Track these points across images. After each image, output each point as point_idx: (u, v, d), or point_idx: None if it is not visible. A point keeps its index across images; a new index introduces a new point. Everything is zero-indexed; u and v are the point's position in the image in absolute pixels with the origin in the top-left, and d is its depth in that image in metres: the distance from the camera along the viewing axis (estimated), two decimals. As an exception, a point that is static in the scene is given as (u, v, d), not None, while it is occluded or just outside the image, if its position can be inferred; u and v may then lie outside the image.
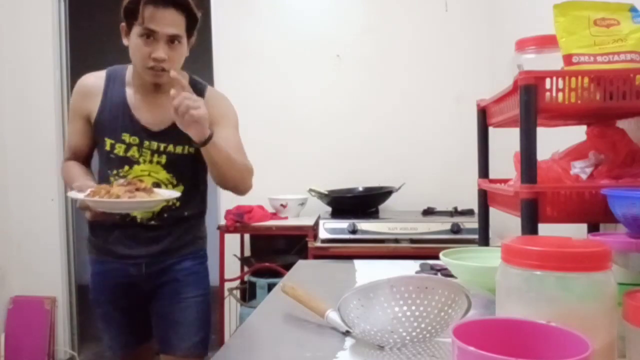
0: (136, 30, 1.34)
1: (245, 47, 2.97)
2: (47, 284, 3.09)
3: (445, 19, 2.85)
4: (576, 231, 1.21)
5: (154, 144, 1.45)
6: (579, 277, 0.62)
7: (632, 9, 1.02)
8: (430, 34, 2.88)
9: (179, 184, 1.49)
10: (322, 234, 2.30)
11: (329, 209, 2.65)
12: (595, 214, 0.99)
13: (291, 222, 2.60)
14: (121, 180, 1.38)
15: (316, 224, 2.41)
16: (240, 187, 1.48)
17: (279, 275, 2.28)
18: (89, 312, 3.45)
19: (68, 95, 3.14)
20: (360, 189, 2.75)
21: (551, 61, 1.07)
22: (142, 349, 1.60)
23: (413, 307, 0.79)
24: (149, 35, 1.33)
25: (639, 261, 0.75)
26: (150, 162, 1.46)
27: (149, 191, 1.34)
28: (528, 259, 0.64)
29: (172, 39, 1.35)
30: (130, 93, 1.47)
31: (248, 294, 2.59)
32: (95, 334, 3.46)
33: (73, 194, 1.32)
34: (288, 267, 1.71)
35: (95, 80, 1.49)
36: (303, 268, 1.62)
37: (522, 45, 1.19)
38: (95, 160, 1.56)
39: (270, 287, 2.33)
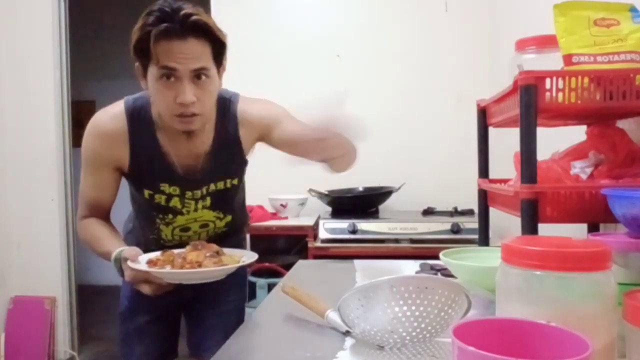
0: (152, 71, 1.10)
1: (245, 47, 2.97)
2: (47, 284, 3.08)
3: (445, 19, 2.85)
4: (576, 231, 1.21)
5: (197, 193, 1.28)
6: (579, 277, 0.62)
7: (632, 9, 1.02)
8: (430, 34, 2.88)
9: (226, 215, 1.36)
10: (322, 234, 2.30)
11: (329, 209, 2.65)
12: (595, 214, 0.99)
13: (291, 222, 2.60)
14: (194, 242, 1.19)
15: (316, 224, 2.41)
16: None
17: (279, 275, 2.28)
18: (89, 312, 3.47)
19: (68, 96, 3.15)
20: (360, 189, 2.75)
21: (551, 61, 1.07)
22: None
23: (413, 307, 0.79)
24: (169, 75, 1.09)
25: (639, 261, 0.75)
26: (195, 210, 1.30)
27: (222, 252, 1.17)
28: (528, 259, 0.64)
29: (197, 75, 1.10)
30: (161, 135, 1.23)
31: (248, 294, 2.59)
32: (95, 334, 3.48)
33: (133, 265, 1.09)
34: (288, 267, 1.71)
35: (115, 123, 1.22)
36: (303, 268, 1.62)
37: (522, 45, 1.19)
38: (123, 201, 1.35)
39: (270, 287, 2.33)
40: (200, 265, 1.07)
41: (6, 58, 3.06)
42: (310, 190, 2.58)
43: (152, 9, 1.07)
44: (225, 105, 1.28)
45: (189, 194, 1.27)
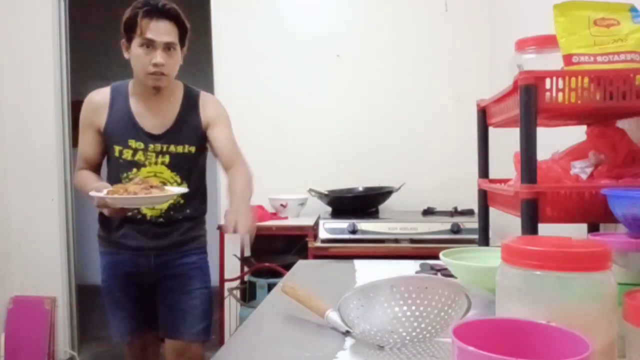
0: (136, 41, 1.53)
1: (245, 47, 2.97)
2: (47, 284, 3.08)
3: (445, 19, 2.85)
4: (576, 231, 1.21)
5: (157, 146, 1.62)
6: (579, 277, 0.62)
7: (632, 9, 1.02)
8: (430, 34, 2.88)
9: (183, 182, 1.65)
10: (322, 234, 2.30)
11: (329, 209, 2.65)
12: (595, 214, 0.99)
13: (291, 222, 2.60)
14: (136, 179, 1.53)
15: (316, 224, 2.41)
16: None
17: (279, 275, 2.28)
18: (89, 312, 3.47)
19: (68, 96, 3.15)
20: (360, 189, 2.75)
21: (551, 61, 1.07)
22: (148, 337, 1.75)
23: (413, 307, 0.79)
24: (148, 44, 1.52)
25: (639, 261, 0.75)
26: (156, 163, 1.62)
27: (161, 188, 1.50)
28: (528, 259, 0.64)
29: (168, 47, 1.53)
30: (133, 103, 1.64)
31: (248, 294, 2.59)
32: (95, 334, 3.47)
33: (94, 193, 1.46)
34: (288, 267, 1.71)
35: (101, 96, 1.66)
36: (303, 268, 1.62)
37: (522, 45, 1.19)
38: (104, 168, 1.71)
39: (270, 287, 2.33)
40: (135, 194, 1.42)
41: (6, 58, 3.06)
42: (310, 190, 2.58)
43: (141, 1, 1.53)
44: (191, 92, 1.70)
45: (151, 147, 1.61)
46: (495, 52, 2.71)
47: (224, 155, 1.65)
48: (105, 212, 1.52)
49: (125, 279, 1.69)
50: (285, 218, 2.67)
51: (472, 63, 2.82)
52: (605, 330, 0.62)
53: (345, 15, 2.94)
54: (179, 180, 1.65)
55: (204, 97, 1.70)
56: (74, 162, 3.21)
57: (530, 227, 0.99)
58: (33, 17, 3.05)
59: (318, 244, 2.30)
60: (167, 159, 1.63)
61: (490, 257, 1.14)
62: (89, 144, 1.67)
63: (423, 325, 0.81)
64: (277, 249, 2.81)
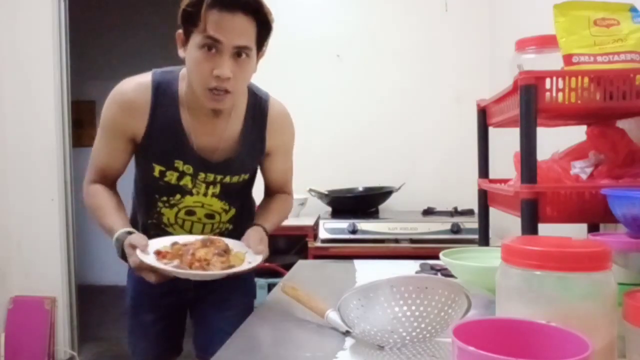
0: (196, 39, 1.08)
1: (245, 47, 2.97)
2: (47, 284, 3.08)
3: (445, 19, 2.85)
4: (576, 231, 1.21)
5: (210, 176, 1.27)
6: (579, 277, 0.62)
7: (632, 9, 1.02)
8: (430, 34, 2.88)
9: (231, 208, 1.36)
10: (322, 234, 2.30)
11: (329, 209, 2.65)
12: (595, 214, 0.99)
13: (291, 222, 2.59)
14: (200, 238, 1.19)
15: (316, 224, 2.41)
16: None
17: (279, 275, 2.28)
18: (89, 312, 3.47)
19: (68, 96, 3.14)
20: (360, 189, 2.75)
21: (551, 61, 1.07)
22: None
23: (413, 307, 0.79)
24: (211, 46, 1.07)
25: (639, 261, 0.75)
26: (205, 194, 1.29)
27: (227, 249, 1.18)
28: (528, 259, 0.64)
29: (239, 52, 1.10)
30: (184, 113, 1.22)
31: (248, 294, 2.59)
32: (95, 334, 3.48)
33: (141, 255, 1.07)
34: (288, 267, 1.71)
35: (139, 92, 1.20)
36: (303, 268, 1.62)
37: (522, 45, 1.20)
38: (128, 177, 1.35)
39: (270, 287, 2.33)
40: (208, 263, 1.09)
41: (6, 58, 3.06)
42: (310, 190, 2.58)
43: None
44: (258, 102, 1.30)
45: (201, 175, 1.26)
46: (495, 52, 2.71)
47: (273, 186, 1.43)
48: (151, 278, 1.09)
49: (158, 301, 1.39)
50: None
51: (472, 63, 2.82)
52: (605, 330, 0.62)
53: (345, 15, 2.94)
54: (227, 208, 1.35)
55: (272, 115, 1.31)
56: (74, 163, 3.25)
57: (530, 227, 0.99)
58: (33, 17, 3.04)
59: (318, 244, 2.31)
60: (217, 189, 1.29)
61: (490, 257, 1.15)
62: (114, 152, 1.24)
63: (423, 325, 0.81)
64: (277, 249, 2.81)
